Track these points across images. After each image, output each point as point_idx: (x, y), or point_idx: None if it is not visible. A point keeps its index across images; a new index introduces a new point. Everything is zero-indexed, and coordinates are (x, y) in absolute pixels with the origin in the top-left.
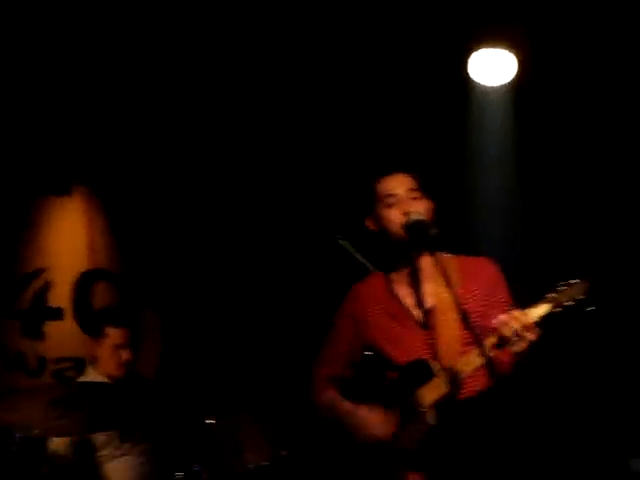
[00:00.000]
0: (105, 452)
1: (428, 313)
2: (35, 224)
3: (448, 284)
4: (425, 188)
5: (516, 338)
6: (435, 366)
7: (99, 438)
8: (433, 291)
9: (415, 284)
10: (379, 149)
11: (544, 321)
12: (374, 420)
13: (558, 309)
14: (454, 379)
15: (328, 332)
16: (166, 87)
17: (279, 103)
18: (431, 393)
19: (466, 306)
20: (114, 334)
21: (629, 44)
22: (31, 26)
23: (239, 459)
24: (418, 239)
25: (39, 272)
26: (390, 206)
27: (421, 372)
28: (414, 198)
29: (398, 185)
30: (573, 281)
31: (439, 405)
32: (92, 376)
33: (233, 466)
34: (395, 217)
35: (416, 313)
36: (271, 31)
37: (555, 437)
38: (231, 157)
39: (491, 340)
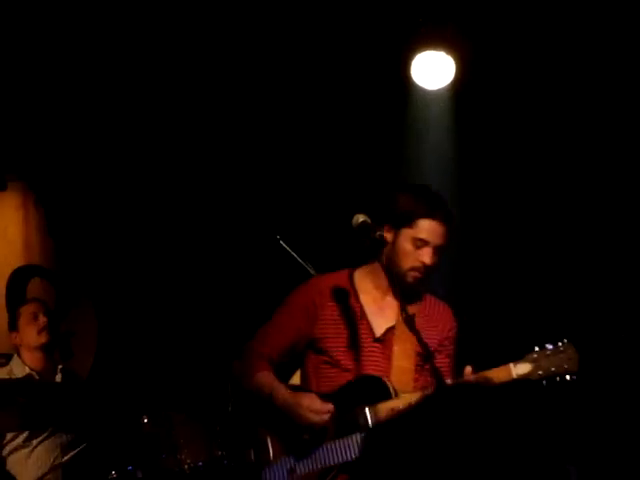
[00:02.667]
0: (13, 444)
1: (387, 330)
2: None
3: (412, 319)
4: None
5: None
6: (392, 390)
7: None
8: (396, 316)
9: (383, 301)
10: (318, 152)
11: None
12: (317, 408)
13: (540, 373)
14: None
15: (277, 312)
16: (100, 80)
17: (224, 102)
18: (384, 415)
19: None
20: (25, 308)
21: (567, 44)
22: None
23: (174, 458)
24: (363, 240)
25: None
26: (417, 247)
27: (377, 390)
28: (436, 254)
29: (435, 236)
30: (562, 346)
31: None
32: (15, 366)
33: (168, 465)
34: (413, 259)
35: (374, 325)
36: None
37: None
38: (167, 152)
39: None
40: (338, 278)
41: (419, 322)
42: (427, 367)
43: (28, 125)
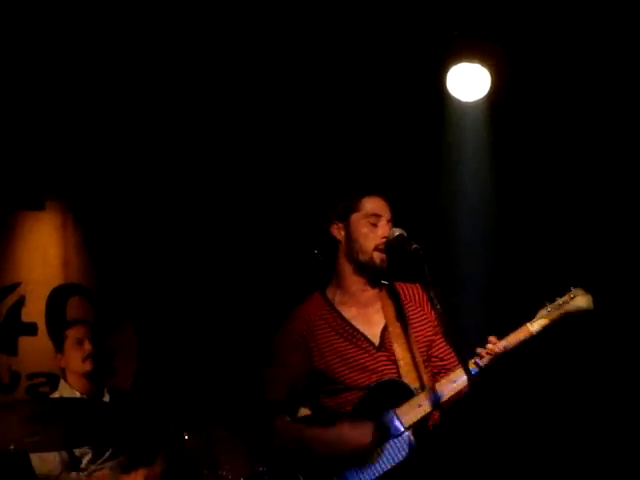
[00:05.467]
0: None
1: (382, 334)
2: (9, 239)
3: (399, 308)
4: (396, 210)
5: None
6: (412, 386)
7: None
8: (382, 315)
9: (365, 305)
10: (355, 164)
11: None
12: (353, 435)
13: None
14: (436, 400)
15: (271, 357)
16: (140, 101)
17: (250, 118)
18: (412, 413)
19: (419, 332)
20: (72, 332)
21: (601, 57)
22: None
23: (215, 475)
24: (399, 254)
25: (13, 287)
26: (373, 225)
27: (395, 392)
28: (390, 228)
29: (384, 209)
30: (572, 293)
31: (417, 425)
32: (65, 391)
33: None
34: (374, 238)
35: (369, 334)
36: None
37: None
38: (206, 175)
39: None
40: (314, 303)
41: (409, 310)
42: (432, 352)
43: (66, 145)
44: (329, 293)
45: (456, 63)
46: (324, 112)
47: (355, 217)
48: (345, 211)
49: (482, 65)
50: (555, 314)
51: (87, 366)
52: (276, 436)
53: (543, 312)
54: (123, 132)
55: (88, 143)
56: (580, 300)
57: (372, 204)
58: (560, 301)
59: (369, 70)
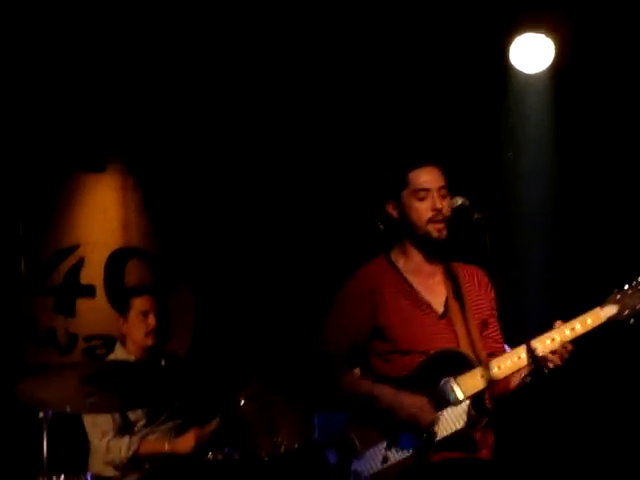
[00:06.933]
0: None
1: (446, 304)
2: (69, 201)
3: (457, 286)
4: (458, 181)
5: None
6: (473, 359)
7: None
8: (444, 287)
9: (428, 275)
10: (416, 138)
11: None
12: (417, 405)
13: (627, 313)
14: (489, 377)
15: (335, 310)
16: (203, 66)
17: (310, 88)
18: (472, 384)
19: (475, 311)
20: (138, 302)
21: None
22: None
23: (271, 441)
24: (461, 224)
25: (73, 249)
26: (421, 199)
27: (455, 362)
28: (443, 196)
29: (432, 180)
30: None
31: (476, 397)
32: (120, 354)
33: (265, 448)
34: (424, 211)
35: (432, 302)
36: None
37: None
38: (262, 140)
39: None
40: (379, 265)
41: (468, 288)
42: (487, 333)
43: (127, 106)
44: (393, 257)
45: (520, 33)
46: (388, 85)
47: (405, 194)
48: (395, 189)
49: (547, 35)
50: (626, 303)
51: (149, 341)
52: (342, 388)
53: (612, 299)
54: (186, 96)
55: (150, 105)
56: None
57: (419, 178)
58: (629, 289)
59: (433, 41)
